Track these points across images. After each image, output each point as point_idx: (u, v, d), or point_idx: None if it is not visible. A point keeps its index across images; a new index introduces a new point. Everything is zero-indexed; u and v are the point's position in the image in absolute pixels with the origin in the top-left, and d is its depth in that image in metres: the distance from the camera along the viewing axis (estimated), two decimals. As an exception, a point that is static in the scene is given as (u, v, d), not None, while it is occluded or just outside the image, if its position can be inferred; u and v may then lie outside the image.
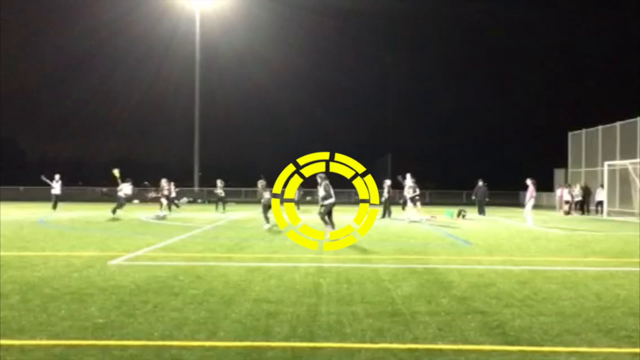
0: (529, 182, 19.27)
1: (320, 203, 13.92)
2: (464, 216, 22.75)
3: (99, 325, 5.41)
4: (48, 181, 26.17)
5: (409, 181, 20.99)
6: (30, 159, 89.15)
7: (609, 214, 26.85)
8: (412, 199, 20.56)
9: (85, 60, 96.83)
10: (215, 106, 74.80)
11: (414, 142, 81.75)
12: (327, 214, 13.48)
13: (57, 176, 26.22)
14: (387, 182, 22.22)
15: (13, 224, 17.70)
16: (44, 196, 26.08)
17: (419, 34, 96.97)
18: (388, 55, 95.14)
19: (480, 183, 26.23)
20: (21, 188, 42.88)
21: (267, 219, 16.37)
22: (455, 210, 24.26)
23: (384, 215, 21.83)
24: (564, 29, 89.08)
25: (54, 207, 25.47)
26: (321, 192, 13.74)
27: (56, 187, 26.08)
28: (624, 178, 28.13)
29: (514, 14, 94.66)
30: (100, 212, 24.61)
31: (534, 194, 19.40)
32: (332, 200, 13.64)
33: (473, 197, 27.07)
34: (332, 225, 13.39)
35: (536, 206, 20.13)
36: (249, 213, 25.23)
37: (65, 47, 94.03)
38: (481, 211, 25.54)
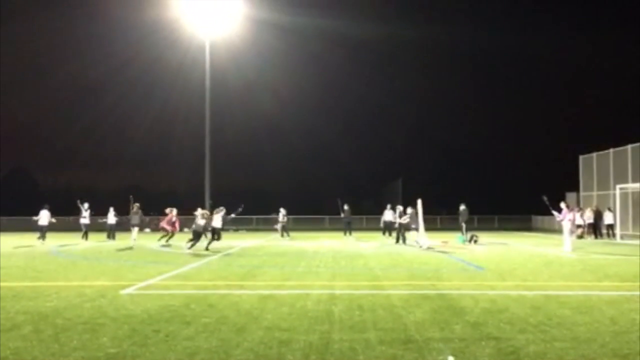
0: (563, 205, 19.22)
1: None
2: (475, 241, 22.58)
3: (111, 355, 5.41)
4: (81, 206, 25.52)
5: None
6: (42, 189, 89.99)
7: (622, 237, 26.57)
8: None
9: (96, 89, 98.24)
10: (226, 134, 75.40)
11: (424, 167, 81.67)
12: None
13: (86, 205, 25.61)
14: (399, 208, 22.31)
15: (26, 254, 17.82)
16: (57, 226, 25.93)
17: (429, 61, 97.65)
18: (398, 81, 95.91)
19: (462, 207, 24.28)
20: (34, 218, 43.09)
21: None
22: (467, 235, 24.11)
23: (397, 241, 21.88)
24: (573, 53, 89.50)
25: (85, 236, 25.15)
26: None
27: (86, 216, 25.61)
28: (637, 201, 27.91)
29: (523, 40, 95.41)
30: (112, 241, 24.70)
31: (570, 217, 19.25)
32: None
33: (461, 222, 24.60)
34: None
35: (548, 230, 19.94)
36: (260, 240, 25.21)
37: (76, 77, 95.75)
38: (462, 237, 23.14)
